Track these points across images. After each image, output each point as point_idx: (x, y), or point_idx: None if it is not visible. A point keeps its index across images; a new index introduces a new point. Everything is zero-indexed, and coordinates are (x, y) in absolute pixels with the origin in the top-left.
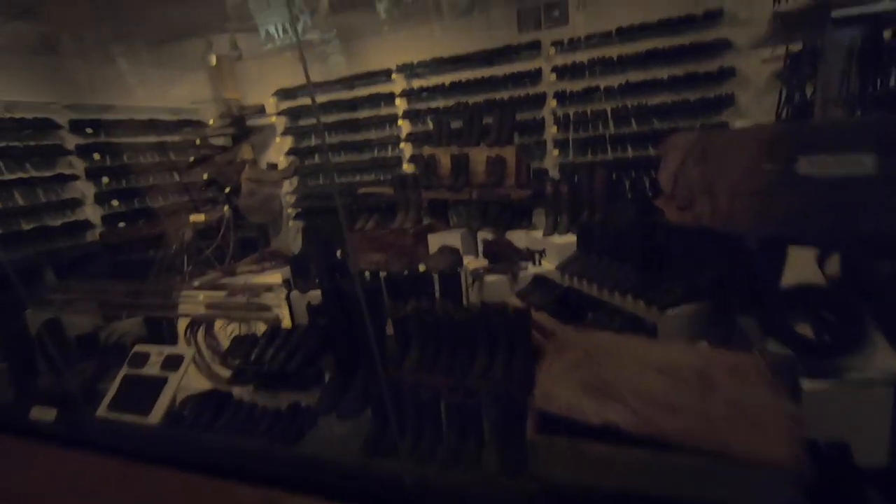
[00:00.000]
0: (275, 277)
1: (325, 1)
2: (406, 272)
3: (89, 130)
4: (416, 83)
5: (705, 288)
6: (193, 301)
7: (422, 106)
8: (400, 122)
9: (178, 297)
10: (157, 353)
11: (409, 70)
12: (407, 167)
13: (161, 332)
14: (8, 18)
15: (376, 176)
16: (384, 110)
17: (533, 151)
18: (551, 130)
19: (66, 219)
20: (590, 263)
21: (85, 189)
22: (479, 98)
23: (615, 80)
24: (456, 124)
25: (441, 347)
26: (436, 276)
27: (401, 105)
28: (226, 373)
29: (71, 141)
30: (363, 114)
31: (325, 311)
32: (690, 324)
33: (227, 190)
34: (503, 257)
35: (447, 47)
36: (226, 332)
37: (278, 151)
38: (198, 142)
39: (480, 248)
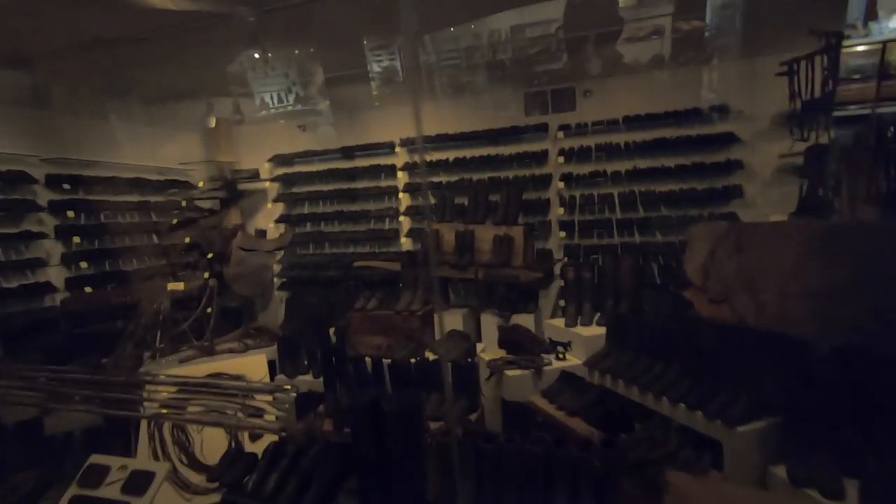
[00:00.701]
0: (258, 360)
1: (319, 74)
2: (414, 360)
3: (66, 186)
4: (419, 157)
5: (776, 402)
6: (163, 392)
7: (423, 180)
8: (401, 195)
9: (143, 388)
10: (118, 468)
11: (412, 144)
12: (405, 241)
13: (119, 421)
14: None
15: (371, 248)
16: (384, 182)
17: (537, 232)
18: (557, 211)
19: (24, 280)
20: (625, 361)
21: (52, 248)
22: (482, 175)
23: (622, 166)
24: (459, 201)
25: (503, 487)
26: (446, 366)
27: (402, 178)
28: (205, 483)
29: (45, 197)
30: (362, 184)
31: (349, 426)
32: (763, 444)
33: (210, 256)
34: (523, 348)
35: (452, 124)
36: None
37: (267, 218)
38: (184, 203)
39: (483, 332)
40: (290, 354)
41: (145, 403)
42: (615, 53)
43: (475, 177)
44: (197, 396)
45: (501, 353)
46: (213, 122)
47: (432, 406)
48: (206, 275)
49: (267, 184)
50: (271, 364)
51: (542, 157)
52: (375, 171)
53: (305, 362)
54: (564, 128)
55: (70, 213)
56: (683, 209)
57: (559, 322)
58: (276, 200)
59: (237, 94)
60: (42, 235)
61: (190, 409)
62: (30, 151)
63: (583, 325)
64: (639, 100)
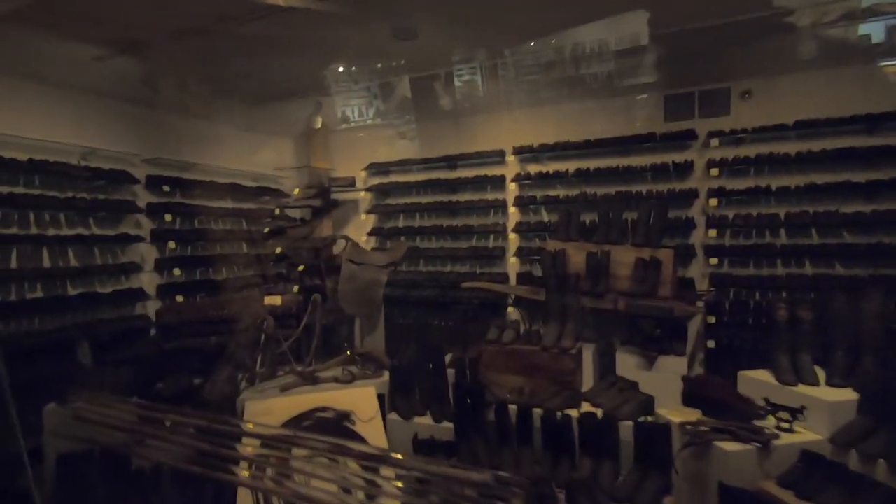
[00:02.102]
0: (367, 393)
1: (403, 86)
2: (574, 413)
3: (166, 188)
4: (534, 168)
5: None
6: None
7: (539, 194)
8: (511, 209)
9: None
10: None
11: (527, 153)
12: (513, 261)
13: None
14: (113, 53)
15: (472, 267)
16: (490, 195)
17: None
18: (701, 233)
19: (118, 286)
20: None
21: (147, 253)
22: (608, 189)
23: (792, 181)
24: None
25: None
26: (620, 425)
27: (512, 191)
28: None
29: (144, 198)
30: (465, 196)
31: None
32: None
33: (301, 268)
34: (725, 409)
35: (574, 131)
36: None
37: (358, 230)
38: (277, 211)
39: (635, 378)
40: (403, 389)
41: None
42: (785, 45)
43: (600, 191)
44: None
45: (686, 412)
46: (318, 123)
47: (606, 479)
48: (296, 288)
49: (362, 194)
50: (380, 398)
51: (684, 169)
52: (481, 183)
53: (420, 402)
54: (715, 134)
55: (168, 217)
56: (876, 235)
57: (762, 375)
58: (369, 212)
59: (336, 97)
60: (138, 239)
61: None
62: (133, 150)
63: (807, 382)
64: (815, 101)
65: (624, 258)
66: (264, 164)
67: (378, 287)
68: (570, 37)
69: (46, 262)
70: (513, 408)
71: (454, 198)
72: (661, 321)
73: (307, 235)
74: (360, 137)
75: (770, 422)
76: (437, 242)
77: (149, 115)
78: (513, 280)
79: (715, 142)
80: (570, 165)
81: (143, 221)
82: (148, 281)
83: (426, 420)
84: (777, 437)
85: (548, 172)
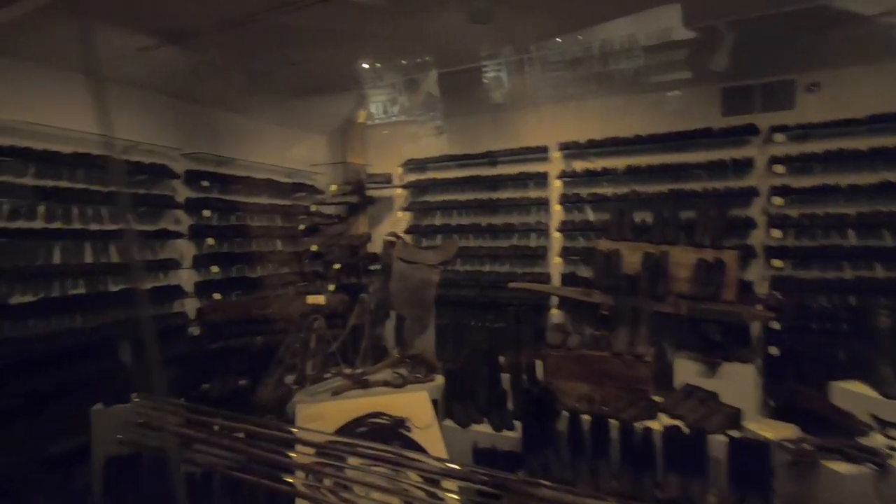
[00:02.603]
0: (420, 398)
1: (429, 82)
2: (656, 426)
3: (205, 184)
4: (580, 164)
5: None
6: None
7: (583, 191)
8: (556, 207)
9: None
10: None
11: (573, 149)
12: (558, 261)
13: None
14: (158, 43)
15: (512, 267)
16: (532, 192)
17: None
18: (772, 234)
19: (157, 282)
20: None
21: (185, 249)
22: (660, 187)
23: (862, 178)
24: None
25: None
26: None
27: (555, 188)
28: None
29: (182, 193)
30: (505, 194)
31: None
32: None
33: (337, 266)
34: (825, 423)
35: (624, 126)
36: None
37: (392, 228)
38: (314, 208)
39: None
40: (460, 395)
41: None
42: (856, 34)
43: (650, 189)
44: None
45: (778, 426)
46: (362, 117)
47: (696, 499)
48: (332, 287)
49: (399, 191)
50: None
51: (743, 166)
52: (522, 180)
53: (476, 408)
54: (779, 129)
55: (206, 213)
56: None
57: (858, 387)
58: (406, 209)
59: (374, 91)
60: (178, 235)
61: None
62: (173, 144)
63: None
64: (890, 94)
65: (683, 259)
66: (299, 160)
67: (429, 287)
68: (620, 27)
69: (89, 258)
70: (584, 417)
71: (494, 195)
72: (725, 326)
73: (342, 233)
74: (396, 133)
75: (877, 440)
76: (476, 241)
77: (187, 109)
78: (555, 281)
79: (779, 137)
80: (619, 162)
81: (182, 217)
82: (186, 278)
83: (485, 428)
84: (891, 457)
85: (595, 169)
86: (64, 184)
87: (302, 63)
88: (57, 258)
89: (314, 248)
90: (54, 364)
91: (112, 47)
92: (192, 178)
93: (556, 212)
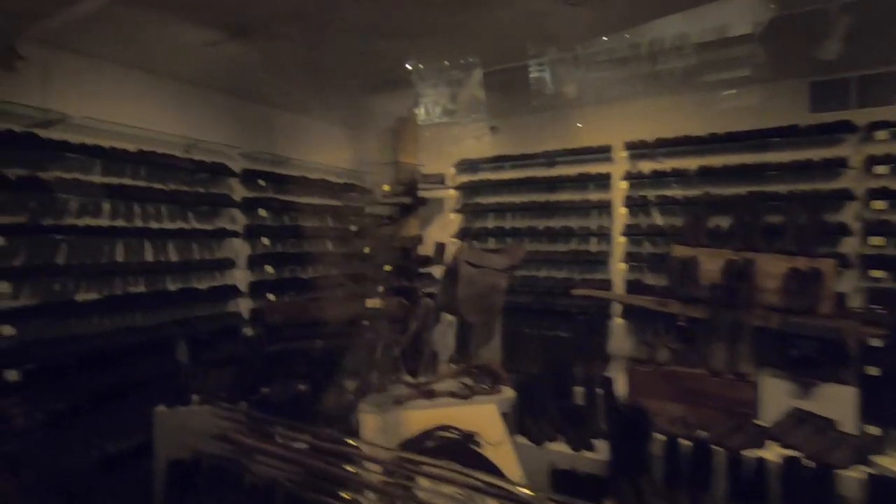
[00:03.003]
0: (489, 411)
1: (483, 80)
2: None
3: (262, 183)
4: (647, 165)
5: None
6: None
7: (650, 193)
8: (622, 209)
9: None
10: None
11: (640, 149)
12: (623, 267)
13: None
14: (226, 36)
15: (569, 272)
16: (593, 194)
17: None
18: (871, 241)
19: (213, 282)
20: None
21: (240, 249)
22: (738, 190)
23: None
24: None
25: None
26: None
27: (620, 190)
28: None
29: (239, 193)
30: (564, 196)
31: None
32: None
33: (389, 269)
34: None
35: (697, 124)
36: None
37: (441, 230)
38: (366, 209)
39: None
40: (532, 409)
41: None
42: None
43: (726, 191)
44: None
45: None
46: (421, 114)
47: None
48: (382, 290)
49: (452, 191)
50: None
51: (835, 167)
52: (583, 181)
53: (549, 423)
54: (881, 126)
55: (263, 212)
56: None
57: None
58: (458, 211)
59: (427, 89)
60: (234, 234)
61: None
62: (231, 142)
63: None
64: None
65: (771, 268)
66: (349, 159)
67: (498, 292)
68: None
69: (149, 256)
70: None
71: (552, 197)
72: (820, 343)
73: (394, 234)
74: (448, 132)
75: None
76: (532, 245)
77: (245, 107)
78: (617, 287)
79: (881, 134)
80: (691, 162)
81: (238, 217)
82: (241, 278)
83: (561, 447)
84: None
85: (663, 170)
86: (128, 181)
87: (369, 55)
88: (120, 256)
89: (366, 249)
90: (116, 362)
91: (177, 43)
92: (248, 176)
93: (620, 215)
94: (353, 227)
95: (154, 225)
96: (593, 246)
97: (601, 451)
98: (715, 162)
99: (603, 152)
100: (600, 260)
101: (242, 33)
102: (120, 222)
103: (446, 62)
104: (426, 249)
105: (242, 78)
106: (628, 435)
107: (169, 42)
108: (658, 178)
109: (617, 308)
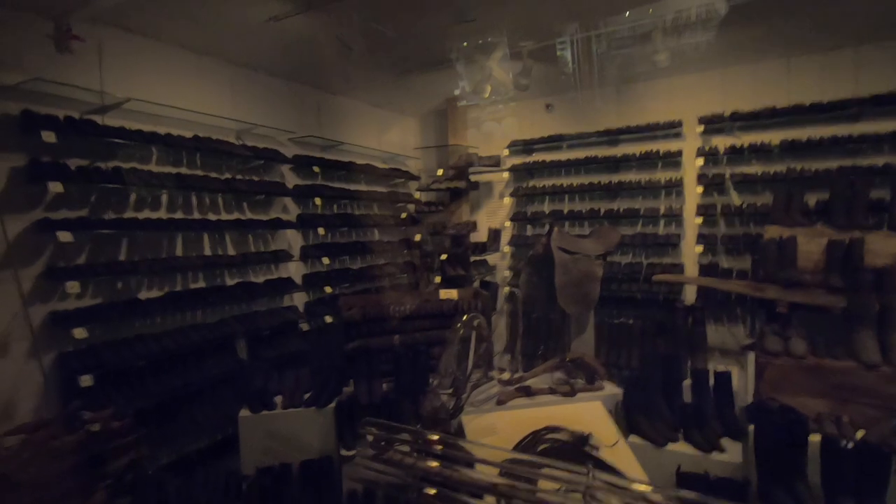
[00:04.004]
0: (594, 409)
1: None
2: None
3: (316, 170)
4: (722, 141)
5: None
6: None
7: (726, 171)
8: (698, 188)
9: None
10: None
11: (716, 122)
12: (699, 249)
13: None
14: (295, 9)
15: (634, 257)
16: (661, 174)
17: None
18: None
19: (269, 275)
20: None
21: (293, 240)
22: (825, 164)
23: None
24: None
25: None
26: None
27: (688, 168)
28: None
29: (291, 180)
30: (629, 176)
31: None
32: None
33: (444, 257)
34: None
35: (777, 95)
36: None
37: (491, 216)
38: (417, 195)
39: None
40: (645, 407)
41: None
42: None
43: (812, 166)
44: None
45: None
46: (487, 92)
47: None
48: (438, 279)
49: (505, 175)
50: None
51: None
52: (650, 160)
53: (664, 420)
54: None
55: (318, 201)
56: None
57: None
58: (513, 194)
59: (477, 66)
60: (289, 225)
61: None
62: (279, 126)
63: None
64: None
65: (884, 247)
66: (398, 143)
67: (594, 281)
68: None
69: (207, 250)
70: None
71: (615, 178)
72: None
73: (446, 221)
74: (499, 112)
75: None
76: (587, 228)
77: (293, 90)
78: (688, 271)
79: None
80: (773, 136)
81: (290, 206)
82: (295, 270)
83: (684, 448)
84: None
85: (741, 146)
86: (184, 170)
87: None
88: (179, 250)
89: (418, 237)
90: (186, 363)
91: (237, 20)
92: (301, 163)
93: (692, 195)
94: (404, 215)
95: (212, 216)
96: (661, 229)
97: (732, 452)
98: (801, 134)
99: (672, 128)
100: (671, 243)
101: (310, 5)
102: (179, 214)
103: (495, 37)
104: (481, 236)
105: (295, 59)
106: (778, 436)
107: (228, 19)
108: (735, 153)
109: (689, 294)
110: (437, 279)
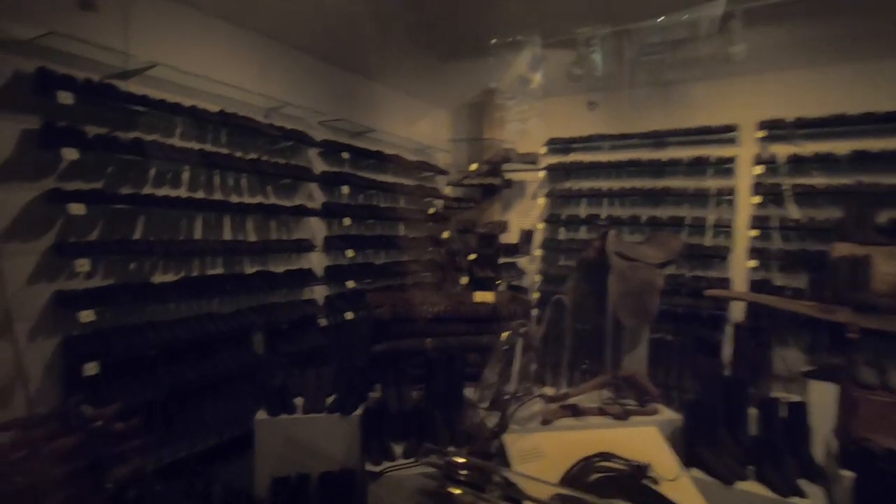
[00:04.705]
0: (649, 434)
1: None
2: None
3: (345, 156)
4: (782, 149)
5: None
6: None
7: (786, 181)
8: (754, 198)
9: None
10: None
11: (779, 129)
12: (750, 264)
13: None
14: None
15: (676, 268)
16: (710, 181)
17: None
18: None
19: (289, 265)
20: None
21: (316, 229)
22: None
23: None
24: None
25: None
26: None
27: (746, 176)
28: None
29: (318, 166)
30: (673, 182)
31: None
32: None
33: (473, 257)
34: None
35: (849, 101)
36: None
37: (521, 216)
38: (448, 189)
39: None
40: (708, 437)
41: None
42: None
43: (883, 181)
44: None
45: None
46: (535, 82)
47: None
48: (465, 279)
49: (540, 174)
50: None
51: None
52: (699, 166)
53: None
54: None
55: (346, 189)
56: None
57: None
58: (547, 195)
59: (518, 58)
60: (313, 213)
61: None
62: (311, 107)
63: None
64: None
65: None
66: (428, 135)
67: (653, 291)
68: None
69: (227, 234)
70: None
71: (659, 183)
72: None
73: (475, 220)
74: (537, 107)
75: None
76: (630, 236)
77: (327, 71)
78: (737, 286)
79: None
80: (841, 146)
81: (315, 193)
82: (317, 261)
83: (755, 487)
84: None
85: (802, 155)
86: (208, 147)
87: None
88: (198, 233)
89: (444, 234)
90: (201, 355)
91: None
92: (330, 148)
93: (746, 205)
94: (431, 210)
95: (234, 198)
96: (709, 240)
97: (814, 497)
98: (871, 146)
99: (727, 132)
100: (720, 255)
101: None
102: (200, 194)
103: (536, 29)
104: (513, 237)
105: (332, 36)
106: (888, 486)
107: None
108: (797, 163)
109: (736, 312)
110: (464, 280)
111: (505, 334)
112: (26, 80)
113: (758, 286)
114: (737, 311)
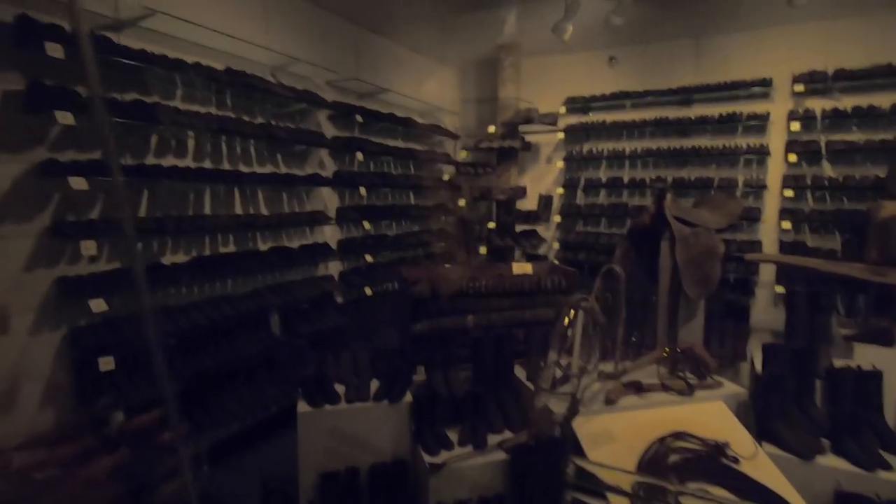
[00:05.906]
0: (717, 409)
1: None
2: None
3: (359, 119)
4: (819, 103)
5: None
6: None
7: (822, 137)
8: (790, 156)
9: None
10: None
11: (815, 82)
12: (785, 225)
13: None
14: None
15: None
16: (741, 139)
17: None
18: None
19: (303, 239)
20: None
21: (328, 199)
22: None
23: None
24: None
25: None
26: None
27: (777, 133)
28: None
29: (328, 131)
30: (701, 142)
31: None
32: None
33: (492, 226)
34: None
35: (888, 53)
36: None
37: (536, 181)
38: (463, 154)
39: None
40: (781, 411)
41: None
42: None
43: None
44: None
45: None
46: (568, 32)
47: None
48: (484, 249)
49: (559, 135)
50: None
51: None
52: (729, 123)
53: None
54: None
55: (360, 156)
56: None
57: None
58: (566, 158)
59: (532, 10)
60: (325, 182)
61: None
62: (318, 63)
63: None
64: None
65: None
66: (436, 96)
67: (715, 259)
68: None
69: (238, 208)
70: None
71: (686, 143)
72: None
73: (491, 185)
74: (554, 64)
75: None
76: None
77: (332, 23)
78: (767, 248)
79: None
80: (884, 100)
81: (326, 160)
82: (330, 235)
83: (836, 462)
84: None
85: (843, 109)
86: (214, 110)
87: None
88: (208, 207)
89: (460, 202)
90: (220, 340)
91: None
92: (341, 111)
93: (778, 164)
94: (446, 176)
95: (244, 168)
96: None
97: None
98: None
99: (760, 86)
100: (751, 217)
101: None
102: (207, 163)
103: None
104: (531, 203)
105: None
106: None
107: None
108: (836, 118)
109: (766, 275)
110: (483, 250)
111: (568, 309)
112: (4, 31)
113: (790, 248)
114: (766, 275)
